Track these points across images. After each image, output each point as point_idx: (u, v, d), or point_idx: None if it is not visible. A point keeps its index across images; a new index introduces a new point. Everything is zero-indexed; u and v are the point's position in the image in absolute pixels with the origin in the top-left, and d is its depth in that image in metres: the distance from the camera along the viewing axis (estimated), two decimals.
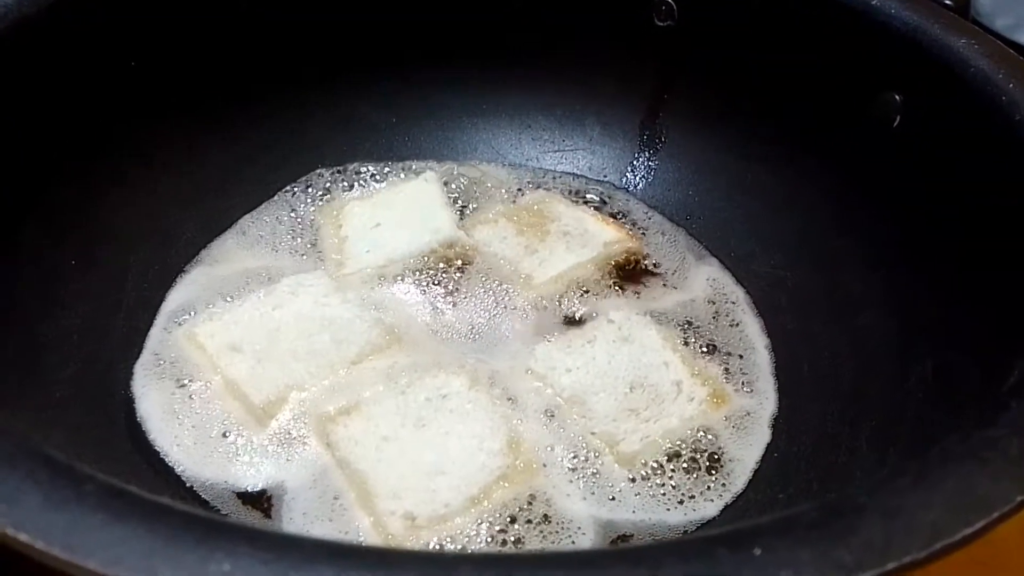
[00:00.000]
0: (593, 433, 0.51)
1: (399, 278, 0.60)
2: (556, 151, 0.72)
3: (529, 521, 0.46)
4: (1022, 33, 0.86)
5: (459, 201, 0.68)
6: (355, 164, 0.69)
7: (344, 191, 0.67)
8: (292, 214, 0.65)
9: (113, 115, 0.56)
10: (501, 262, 0.62)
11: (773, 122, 0.62)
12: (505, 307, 0.59)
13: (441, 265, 0.61)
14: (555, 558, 0.26)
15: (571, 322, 0.58)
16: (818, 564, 0.25)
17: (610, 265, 0.62)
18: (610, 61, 0.68)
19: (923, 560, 0.25)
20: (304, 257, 0.62)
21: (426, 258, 0.61)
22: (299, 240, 0.63)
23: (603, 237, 0.63)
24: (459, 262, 0.62)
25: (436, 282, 0.60)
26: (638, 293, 0.61)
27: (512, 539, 0.46)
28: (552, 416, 0.52)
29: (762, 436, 0.52)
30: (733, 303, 0.61)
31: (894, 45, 0.53)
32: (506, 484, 0.47)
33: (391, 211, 0.65)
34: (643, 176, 0.69)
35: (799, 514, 0.27)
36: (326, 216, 0.65)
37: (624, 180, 0.70)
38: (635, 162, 0.70)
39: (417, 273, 0.61)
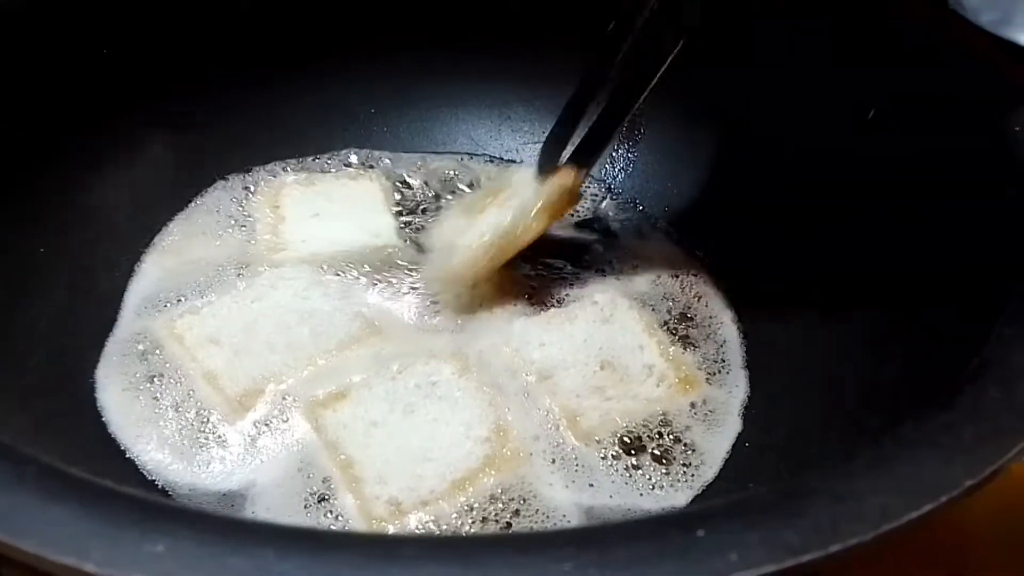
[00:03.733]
0: (556, 408, 0.51)
1: (331, 271, 0.59)
2: (536, 142, 0.71)
3: (515, 508, 0.46)
4: (1008, 28, 0.85)
5: (420, 198, 0.67)
6: (330, 154, 0.69)
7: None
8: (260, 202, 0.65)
9: (86, 103, 0.56)
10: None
11: (751, 115, 0.61)
12: (484, 294, 0.58)
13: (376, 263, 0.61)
14: (503, 539, 0.26)
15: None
16: (765, 546, 0.25)
17: (548, 214, 0.58)
18: (589, 53, 0.68)
19: (869, 543, 0.25)
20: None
21: (364, 255, 0.61)
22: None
23: (533, 185, 0.59)
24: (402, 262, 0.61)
25: (386, 278, 0.60)
26: (621, 278, 0.61)
27: (498, 526, 0.46)
28: (528, 395, 0.52)
29: (733, 425, 0.52)
30: (712, 294, 0.61)
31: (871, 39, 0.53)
32: (492, 471, 0.47)
33: (331, 203, 0.64)
34: (622, 168, 0.69)
35: (750, 498, 0.27)
36: (265, 197, 0.65)
37: (603, 172, 0.70)
38: (614, 154, 0.69)
39: (355, 268, 0.60)
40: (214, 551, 0.23)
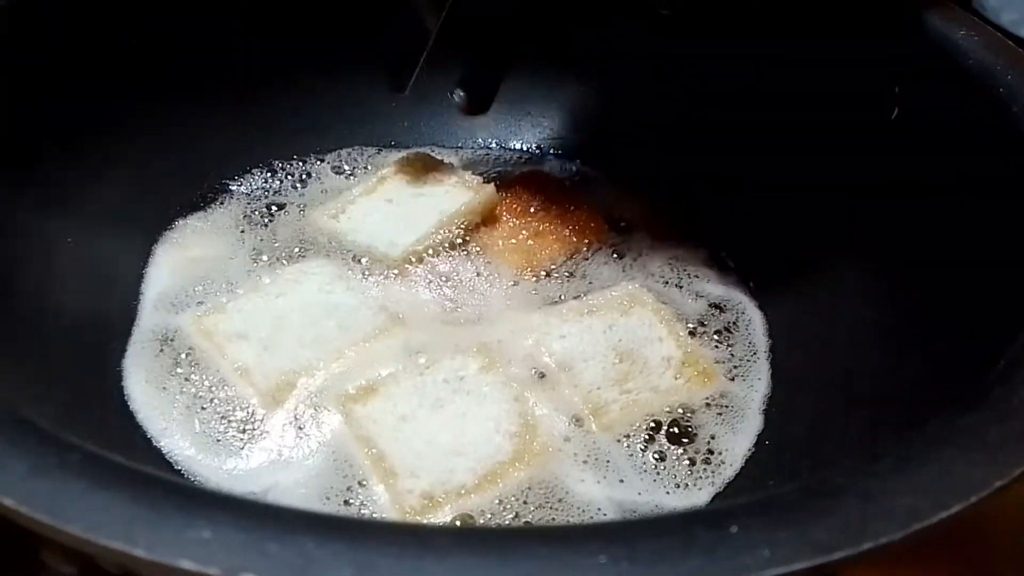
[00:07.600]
0: (577, 400, 0.52)
1: (354, 264, 0.60)
2: (555, 137, 0.72)
3: (549, 504, 0.47)
4: None
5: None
6: (351, 149, 0.69)
7: (330, 178, 0.68)
8: (276, 197, 0.65)
9: (111, 93, 0.56)
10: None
11: (770, 114, 0.61)
12: (501, 288, 0.59)
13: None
14: (535, 532, 0.26)
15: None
16: (794, 543, 0.25)
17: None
18: (613, 47, 0.67)
19: (899, 542, 0.25)
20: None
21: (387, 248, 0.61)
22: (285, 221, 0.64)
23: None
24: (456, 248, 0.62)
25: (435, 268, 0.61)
26: (643, 270, 0.62)
27: (532, 519, 0.46)
28: (552, 388, 0.52)
29: (754, 423, 0.52)
30: (734, 290, 0.61)
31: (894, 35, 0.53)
32: (522, 466, 0.48)
33: (395, 204, 0.64)
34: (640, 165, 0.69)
35: (778, 495, 0.27)
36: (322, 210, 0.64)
37: (621, 168, 0.69)
38: (642, 150, 0.69)
39: (376, 261, 0.61)
40: (256, 538, 0.24)
